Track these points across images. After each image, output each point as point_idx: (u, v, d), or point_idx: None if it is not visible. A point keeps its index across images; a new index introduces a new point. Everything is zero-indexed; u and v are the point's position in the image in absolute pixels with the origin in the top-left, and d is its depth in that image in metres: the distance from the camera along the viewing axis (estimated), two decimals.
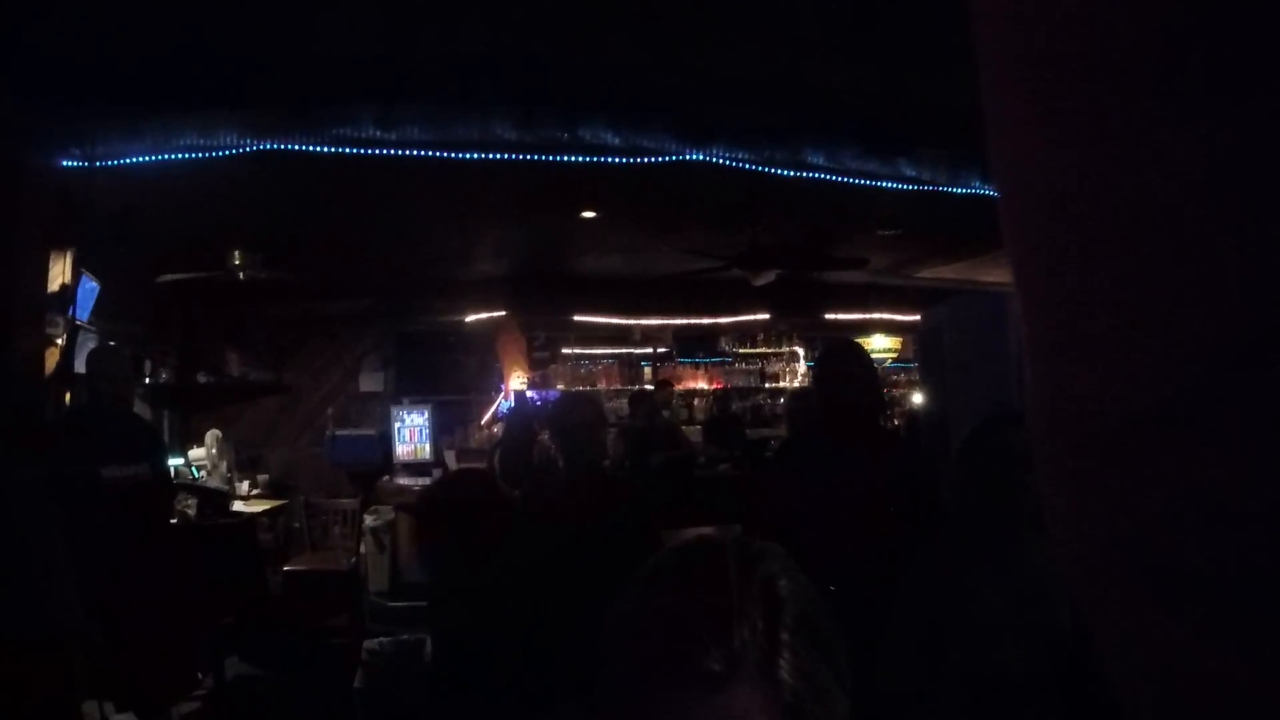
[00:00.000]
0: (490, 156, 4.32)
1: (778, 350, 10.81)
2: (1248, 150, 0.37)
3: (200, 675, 5.14)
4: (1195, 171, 0.38)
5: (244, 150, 4.06)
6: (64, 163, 3.97)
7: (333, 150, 4.13)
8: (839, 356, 3.44)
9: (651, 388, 9.97)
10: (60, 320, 4.39)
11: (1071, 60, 0.41)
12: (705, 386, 10.52)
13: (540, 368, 9.80)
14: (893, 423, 9.61)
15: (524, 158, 4.36)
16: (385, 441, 8.75)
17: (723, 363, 10.63)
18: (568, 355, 10.25)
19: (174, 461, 5.89)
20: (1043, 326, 0.49)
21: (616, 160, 4.46)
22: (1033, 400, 0.53)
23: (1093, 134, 0.41)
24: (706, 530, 5.00)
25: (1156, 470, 0.43)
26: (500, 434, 7.23)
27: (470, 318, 9.10)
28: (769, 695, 0.70)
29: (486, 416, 9.00)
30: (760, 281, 6.71)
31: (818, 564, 0.81)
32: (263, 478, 7.98)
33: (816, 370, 3.64)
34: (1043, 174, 0.44)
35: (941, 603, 1.99)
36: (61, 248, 4.32)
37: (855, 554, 2.61)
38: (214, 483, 7.01)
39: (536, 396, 9.17)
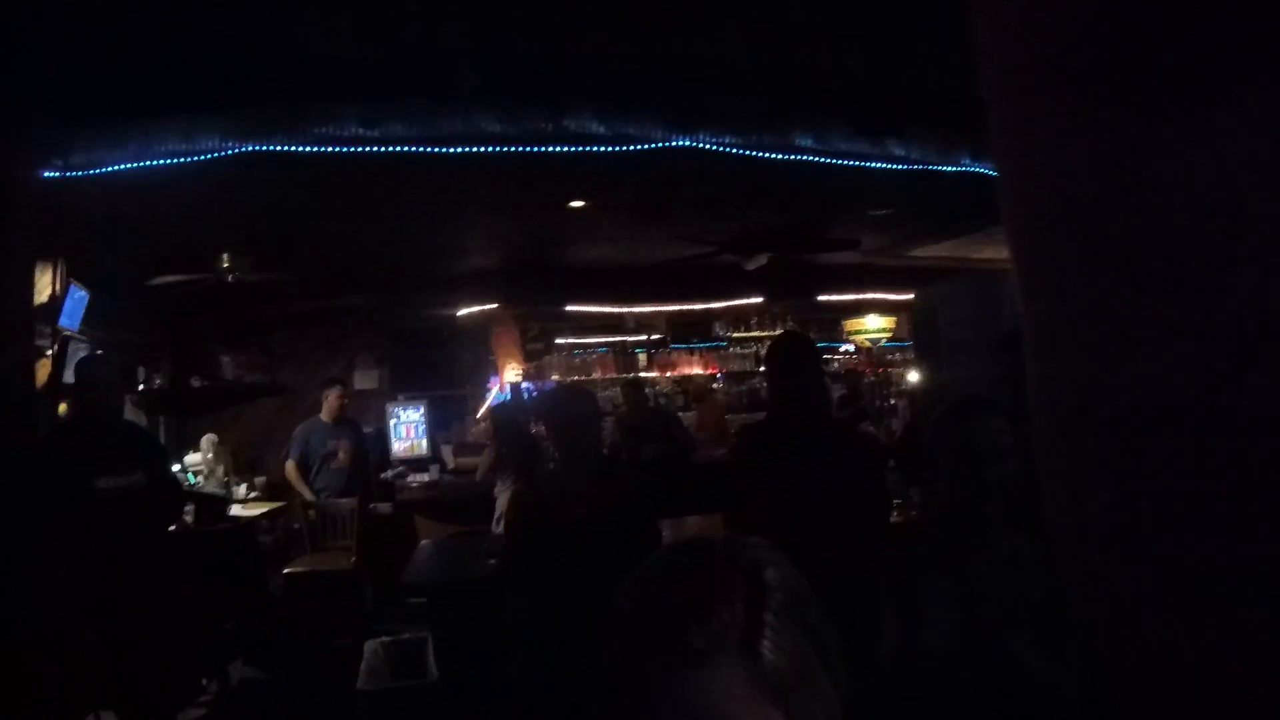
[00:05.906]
0: (475, 150, 4.30)
1: (773, 333, 10.77)
2: (1248, 151, 0.36)
3: (205, 680, 5.14)
4: (1197, 173, 0.37)
5: (227, 154, 4.03)
6: (46, 173, 3.94)
7: (317, 150, 4.10)
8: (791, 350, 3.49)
9: (650, 375, 9.99)
10: (49, 331, 4.37)
11: (1075, 62, 0.40)
12: (701, 372, 10.51)
13: (535, 359, 9.78)
14: (890, 402, 9.61)
15: (509, 150, 4.33)
16: (382, 439, 8.73)
17: (717, 348, 10.60)
18: (562, 345, 10.22)
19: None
20: (1045, 325, 0.48)
21: (603, 149, 4.43)
22: (1035, 398, 0.52)
23: (1096, 136, 0.40)
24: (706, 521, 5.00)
25: (1157, 468, 0.42)
26: (493, 431, 7.21)
27: (463, 311, 9.07)
28: (752, 673, 0.70)
29: (482, 410, 8.98)
30: (753, 266, 6.69)
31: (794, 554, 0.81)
32: (261, 480, 7.95)
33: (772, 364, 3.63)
34: (1046, 176, 0.43)
35: (892, 630, 1.89)
36: (49, 258, 4.29)
37: (823, 545, 2.60)
38: (211, 487, 6.99)
39: (532, 388, 9.15)
